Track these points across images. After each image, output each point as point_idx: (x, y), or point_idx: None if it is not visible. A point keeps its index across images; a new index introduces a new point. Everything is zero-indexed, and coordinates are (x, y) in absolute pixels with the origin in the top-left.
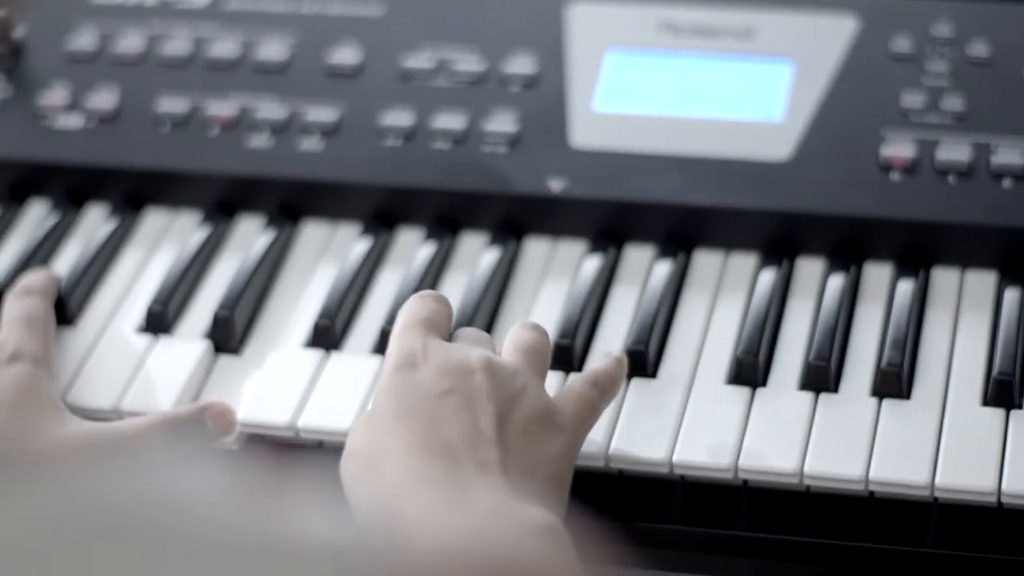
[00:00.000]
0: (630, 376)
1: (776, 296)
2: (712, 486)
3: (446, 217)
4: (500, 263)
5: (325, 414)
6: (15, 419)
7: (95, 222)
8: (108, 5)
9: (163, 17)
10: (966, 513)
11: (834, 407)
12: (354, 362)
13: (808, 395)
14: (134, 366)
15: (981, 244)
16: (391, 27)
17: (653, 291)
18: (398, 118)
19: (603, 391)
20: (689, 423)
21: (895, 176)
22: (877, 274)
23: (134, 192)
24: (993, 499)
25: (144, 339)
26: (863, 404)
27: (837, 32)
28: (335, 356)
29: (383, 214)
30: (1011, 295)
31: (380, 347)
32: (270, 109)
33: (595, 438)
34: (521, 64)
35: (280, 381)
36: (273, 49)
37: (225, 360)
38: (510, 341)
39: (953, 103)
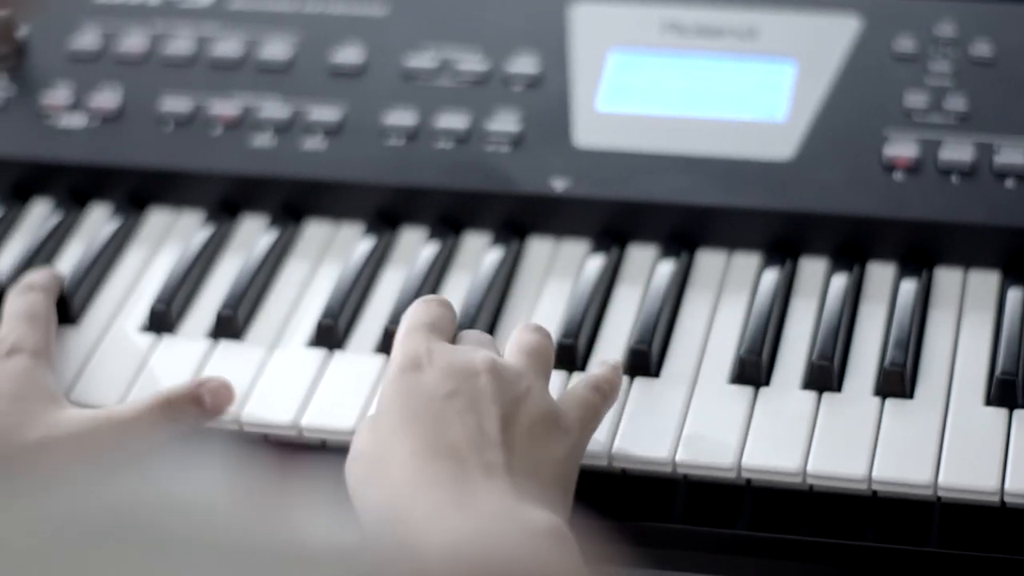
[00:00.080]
0: (633, 375)
1: (779, 295)
2: (715, 485)
3: (449, 217)
4: (503, 263)
5: (328, 413)
6: (13, 410)
7: (98, 221)
8: (111, 4)
9: (166, 16)
10: (969, 512)
11: (837, 406)
12: (357, 361)
13: (811, 394)
14: (137, 365)
15: (984, 244)
16: (394, 27)
17: (656, 290)
18: (401, 118)
19: (604, 395)
20: (692, 422)
21: (898, 176)
22: (880, 274)
23: (137, 191)
24: (996, 498)
25: (147, 338)
26: (866, 403)
27: (840, 32)
28: (338, 355)
29: (386, 213)
30: (1014, 295)
31: (383, 346)
32: (273, 108)
33: (598, 437)
34: (524, 64)
35: (283, 380)
36: (276, 49)
37: (228, 359)
38: (513, 343)
39: (956, 103)
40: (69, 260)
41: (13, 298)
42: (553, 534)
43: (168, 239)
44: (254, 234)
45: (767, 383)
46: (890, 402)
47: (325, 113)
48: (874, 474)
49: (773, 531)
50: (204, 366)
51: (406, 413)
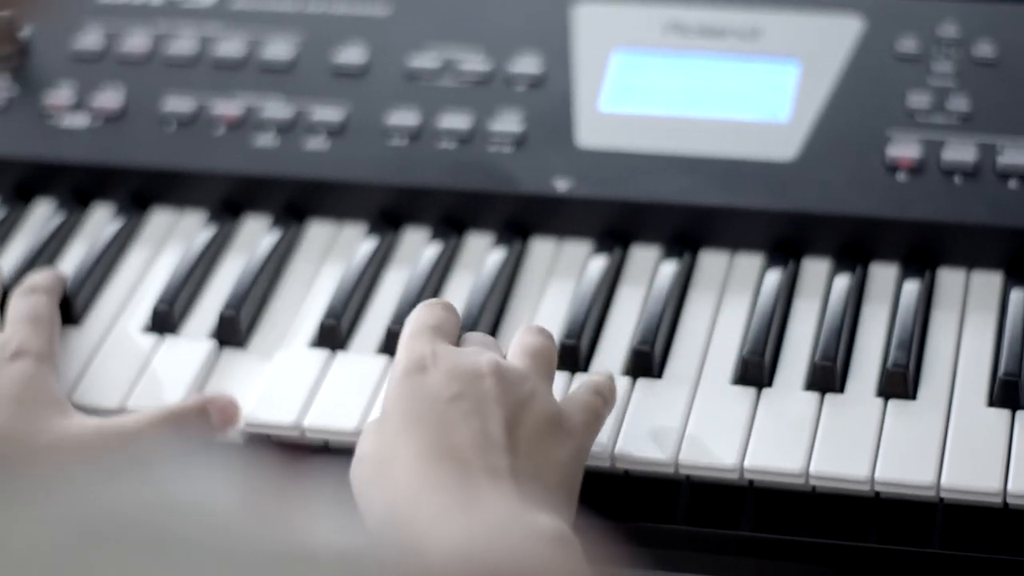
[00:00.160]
0: (635, 376)
1: (782, 296)
2: (718, 486)
3: (452, 217)
4: (506, 263)
5: (331, 414)
6: (17, 415)
7: (101, 221)
8: (114, 4)
9: (169, 16)
10: (972, 514)
11: (840, 407)
12: (360, 362)
13: (814, 395)
14: (140, 365)
15: (987, 244)
16: (397, 27)
17: (659, 291)
18: (404, 118)
19: (605, 400)
20: (695, 423)
21: (901, 176)
22: (883, 274)
23: (140, 191)
24: (999, 500)
25: (150, 338)
26: (869, 404)
27: (843, 32)
28: (341, 356)
29: (389, 214)
30: (1017, 295)
31: (386, 347)
32: (276, 109)
33: (601, 438)
34: (527, 64)
35: (286, 381)
36: (279, 49)
37: (230, 359)
38: (516, 345)
39: (959, 103)
40: (71, 260)
41: (16, 300)
42: (558, 538)
43: (171, 239)
44: (257, 234)
45: (770, 384)
46: (893, 403)
47: (328, 113)
48: (877, 475)
49: (775, 532)
50: (206, 366)
51: (411, 416)
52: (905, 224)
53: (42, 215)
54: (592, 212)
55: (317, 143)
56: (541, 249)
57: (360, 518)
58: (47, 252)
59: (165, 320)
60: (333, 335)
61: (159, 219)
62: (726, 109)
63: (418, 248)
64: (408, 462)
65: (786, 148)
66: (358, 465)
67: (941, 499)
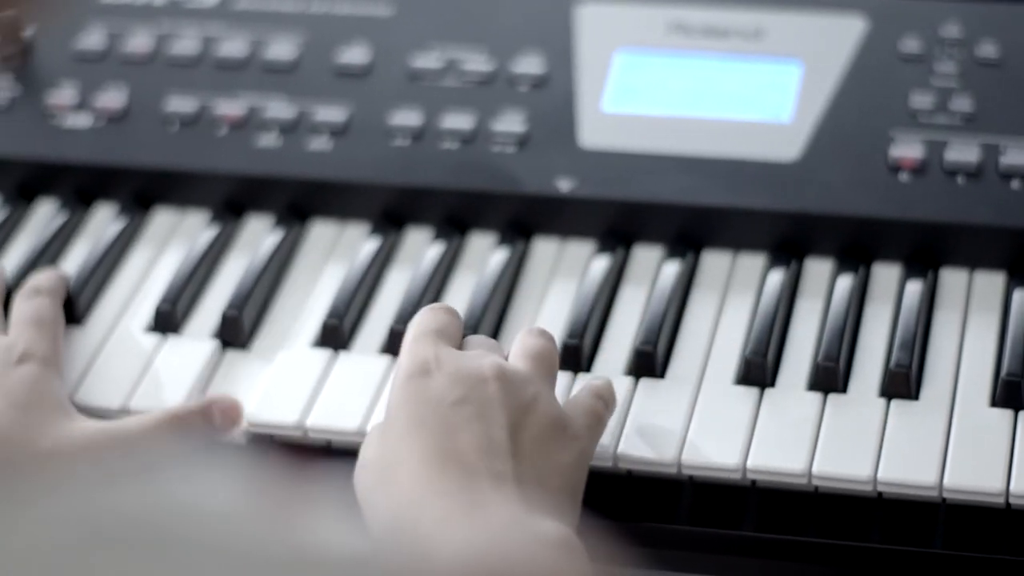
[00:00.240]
0: (638, 376)
1: (784, 296)
2: (720, 486)
3: (454, 217)
4: (508, 263)
5: (333, 414)
6: (24, 419)
7: (103, 221)
8: (117, 4)
9: (172, 16)
10: (974, 514)
11: (842, 408)
12: (362, 362)
13: (816, 396)
14: (142, 365)
15: (990, 245)
16: (400, 27)
17: (661, 291)
18: (407, 118)
19: (607, 404)
20: (697, 423)
21: (904, 177)
22: (885, 275)
23: (142, 191)
24: (1001, 500)
25: (152, 338)
26: (871, 405)
27: (846, 33)
28: (343, 356)
29: (391, 214)
30: (1020, 296)
31: (389, 347)
32: (279, 109)
33: (603, 438)
34: (530, 64)
35: (288, 381)
36: (282, 49)
37: (233, 360)
38: (518, 348)
39: (962, 104)
40: (74, 260)
41: (20, 302)
42: (562, 543)
43: (173, 239)
44: (259, 234)
45: (772, 384)
46: (895, 403)
47: (331, 113)
48: (879, 475)
49: (778, 532)
50: (209, 366)
51: (414, 420)
52: (908, 224)
53: (45, 215)
54: (595, 212)
55: (320, 143)
56: (544, 249)
57: (364, 522)
58: (50, 252)
59: (168, 320)
60: (336, 335)
61: (162, 219)
62: (729, 109)
63: (421, 248)
64: (412, 467)
65: (789, 148)
66: (362, 470)
67: (944, 499)
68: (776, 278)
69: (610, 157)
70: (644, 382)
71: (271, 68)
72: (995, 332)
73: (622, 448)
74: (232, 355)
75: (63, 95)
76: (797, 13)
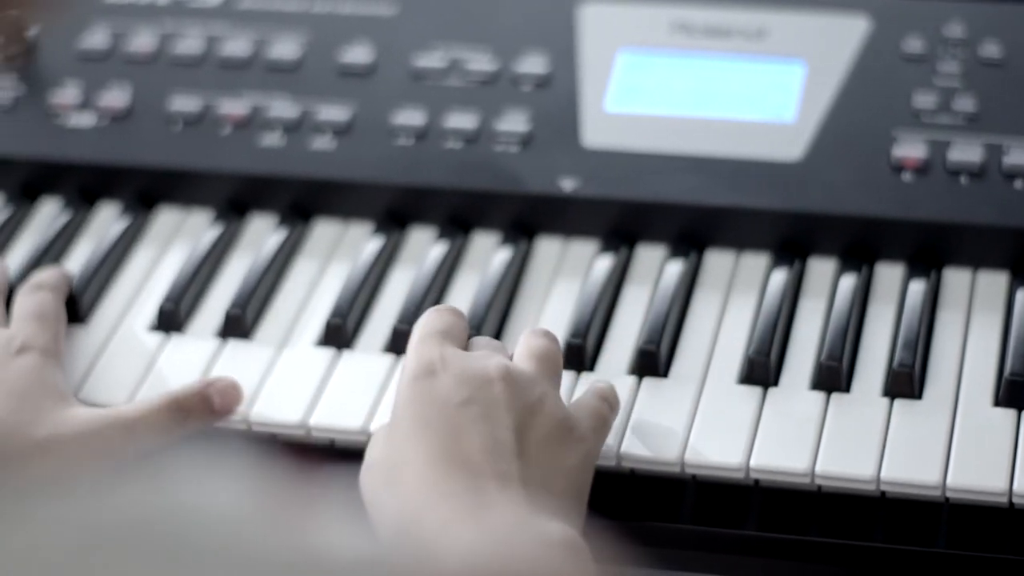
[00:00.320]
0: (641, 376)
1: (788, 296)
2: (724, 486)
3: (458, 216)
4: (512, 263)
5: (337, 413)
6: (22, 408)
7: (107, 220)
8: (120, 4)
9: (175, 16)
10: (977, 513)
11: (846, 407)
12: (366, 361)
13: (820, 395)
14: (146, 364)
15: (993, 245)
16: (403, 26)
17: (665, 291)
18: (410, 117)
19: (611, 406)
20: (701, 423)
21: (907, 177)
22: (889, 274)
23: (146, 190)
24: (1005, 499)
25: (156, 337)
26: (875, 404)
27: (849, 32)
28: (347, 355)
29: (395, 213)
30: (1023, 295)
31: (392, 346)
32: (282, 108)
33: (607, 438)
34: (533, 64)
35: (292, 379)
36: (285, 48)
37: (236, 358)
38: (522, 348)
39: (965, 104)
40: (78, 259)
41: (22, 297)
42: (568, 545)
43: (177, 238)
44: (263, 233)
45: (775, 383)
46: (899, 403)
47: (334, 113)
48: (882, 475)
49: (781, 532)
50: (212, 365)
51: (420, 421)
52: (911, 224)
53: (48, 214)
54: (598, 212)
55: (323, 143)
56: (547, 249)
57: (370, 524)
58: (53, 251)
59: (171, 319)
60: (339, 334)
61: (165, 218)
62: (732, 109)
63: (424, 247)
64: (418, 468)
65: (792, 148)
66: (368, 471)
67: (947, 499)
68: (779, 277)
69: (613, 157)
70: (647, 381)
71: (275, 67)
72: (998, 332)
73: (625, 447)
74: (235, 354)
75: (67, 94)
76: (800, 13)
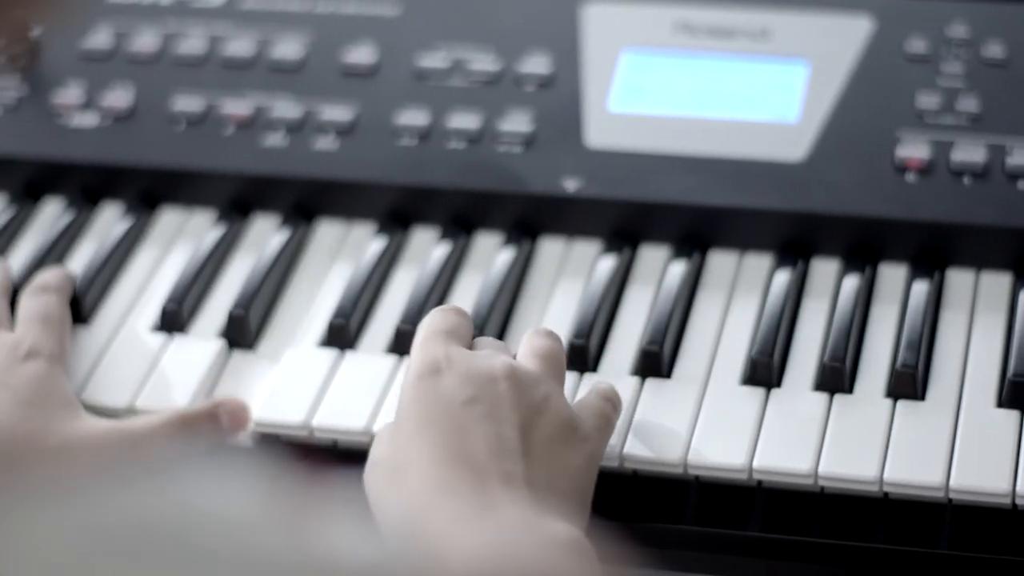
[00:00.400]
0: (644, 376)
1: (791, 297)
2: (726, 487)
3: (461, 217)
4: (515, 263)
5: (339, 413)
6: (30, 416)
7: (110, 221)
8: (124, 4)
9: (178, 16)
10: (980, 515)
11: (849, 408)
12: (369, 361)
13: (823, 396)
14: (149, 365)
15: (996, 245)
16: (406, 27)
17: (668, 291)
18: (413, 117)
19: (615, 406)
20: (704, 424)
21: (910, 177)
22: (892, 275)
23: (149, 191)
24: (1008, 501)
25: (159, 338)
26: (878, 405)
27: (852, 33)
28: (350, 355)
29: (398, 213)
30: None
31: (395, 346)
32: (285, 108)
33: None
34: (536, 64)
35: (294, 380)
36: (288, 48)
37: (239, 359)
38: (526, 348)
39: (968, 104)
40: (81, 259)
41: (27, 299)
42: (572, 545)
43: (180, 238)
44: (266, 234)
45: (779, 384)
46: (902, 404)
47: (337, 113)
48: (885, 476)
49: (784, 533)
50: (215, 366)
51: (425, 420)
52: (914, 225)
53: (51, 214)
54: (601, 212)
55: (326, 143)
56: (550, 249)
57: (376, 525)
58: (56, 251)
59: (174, 319)
60: (342, 335)
61: (168, 218)
62: (735, 109)
63: (427, 248)
64: (422, 467)
65: (795, 148)
66: (372, 470)
67: (950, 500)
68: (782, 278)
69: (616, 157)
70: (650, 382)
71: (278, 68)
72: (1001, 332)
73: (628, 448)
74: (238, 354)
75: (70, 94)
76: (803, 13)
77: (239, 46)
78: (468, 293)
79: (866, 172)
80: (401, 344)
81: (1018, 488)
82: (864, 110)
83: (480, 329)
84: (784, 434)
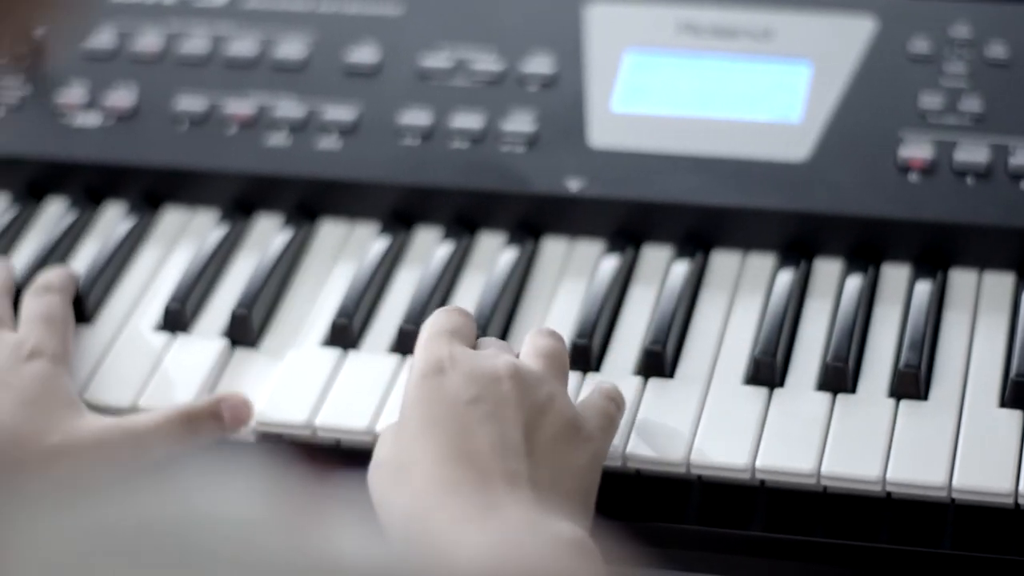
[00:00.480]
0: (647, 376)
1: (794, 297)
2: (729, 486)
3: (464, 216)
4: (518, 263)
5: (342, 413)
6: (32, 416)
7: (113, 220)
8: (127, 4)
9: (181, 16)
10: (983, 514)
11: (851, 408)
12: (371, 361)
13: (825, 396)
14: (152, 364)
15: (999, 245)
16: (409, 26)
17: (671, 291)
18: (416, 117)
19: (618, 405)
20: (706, 423)
21: (913, 177)
22: (895, 275)
23: (152, 190)
24: (1010, 500)
25: (162, 337)
26: (880, 405)
27: (855, 33)
28: (352, 355)
29: (401, 213)
30: None
31: (398, 346)
32: (288, 108)
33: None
34: (539, 64)
35: (297, 380)
36: (291, 48)
37: (242, 358)
38: (529, 348)
39: (971, 104)
40: (84, 259)
41: (30, 299)
42: (577, 545)
43: (183, 238)
44: (269, 233)
45: (781, 384)
46: (904, 404)
47: (340, 112)
48: (888, 476)
49: (787, 532)
50: (218, 365)
51: (429, 419)
52: (917, 225)
53: (54, 213)
54: (604, 212)
55: (329, 142)
56: (553, 249)
57: (380, 525)
58: (59, 250)
59: (177, 319)
60: (345, 334)
61: (171, 218)
62: (738, 109)
63: (430, 247)
64: (426, 467)
65: (798, 148)
66: (376, 469)
67: (952, 500)
68: (785, 278)
69: (619, 157)
70: (653, 382)
71: (281, 67)
72: (1004, 333)
73: (631, 448)
74: (241, 354)
75: (73, 94)
76: (806, 13)
77: (242, 46)
78: (471, 293)
79: (869, 172)
80: (404, 344)
81: (1021, 488)
82: (867, 110)
83: (483, 329)
84: (787, 434)
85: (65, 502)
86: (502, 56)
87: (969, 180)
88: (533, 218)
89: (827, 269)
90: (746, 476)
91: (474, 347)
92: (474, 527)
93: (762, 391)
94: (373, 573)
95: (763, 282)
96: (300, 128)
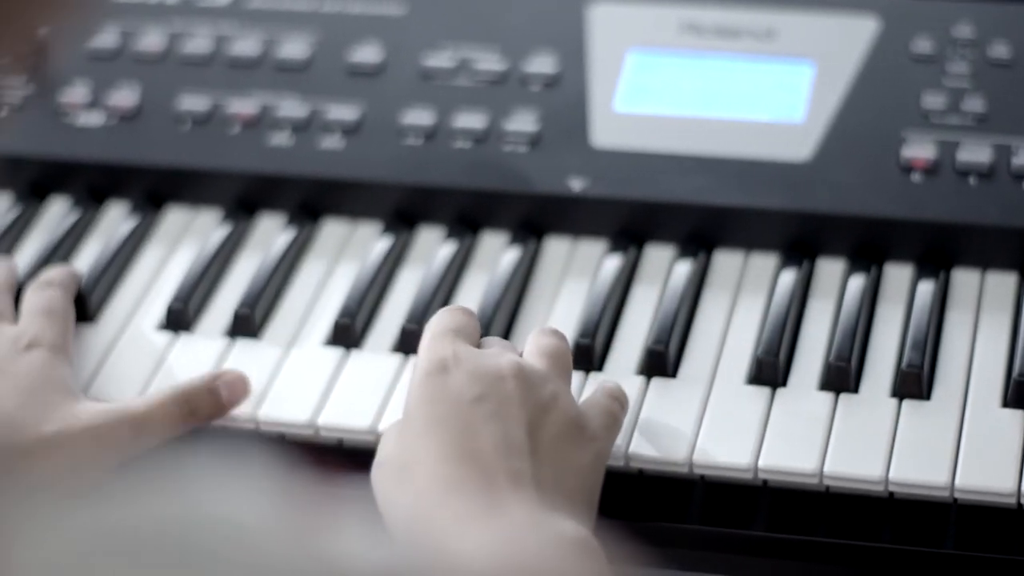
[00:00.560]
0: (650, 376)
1: (796, 296)
2: (732, 486)
3: (466, 216)
4: (520, 262)
5: (345, 412)
6: (31, 403)
7: (116, 219)
8: (130, 3)
9: (184, 15)
10: (986, 514)
11: (854, 408)
12: (374, 360)
13: (828, 395)
14: (154, 363)
15: (1002, 245)
16: (412, 26)
17: (673, 291)
18: (419, 117)
19: (622, 404)
20: (709, 423)
21: (916, 177)
22: (897, 275)
23: (155, 190)
24: (1013, 500)
25: (164, 336)
26: (883, 405)
27: (858, 33)
28: (355, 354)
29: (404, 213)
30: None
31: (400, 346)
32: (291, 107)
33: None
34: (542, 64)
35: (300, 379)
36: (294, 47)
37: (244, 358)
38: (532, 347)
39: (974, 104)
40: (86, 258)
41: (31, 294)
42: (581, 545)
43: (185, 238)
44: (271, 233)
45: (784, 384)
46: (907, 403)
47: (343, 112)
48: (891, 475)
49: (789, 532)
50: (221, 365)
51: (432, 418)
52: (920, 225)
53: (57, 213)
54: (607, 212)
55: (332, 142)
56: (556, 248)
57: (384, 525)
58: (62, 250)
59: (180, 318)
60: (347, 334)
61: (174, 217)
62: (741, 109)
63: (433, 247)
64: (430, 466)
65: (801, 148)
66: (379, 469)
67: (955, 500)
68: (788, 278)
69: (622, 157)
70: (656, 382)
71: (283, 67)
72: (1007, 332)
73: (634, 447)
74: (244, 353)
75: (76, 93)
76: (809, 13)
77: (245, 45)
78: (474, 292)
79: (872, 172)
80: (407, 343)
81: (1023, 488)
82: (870, 110)
83: (486, 328)
84: (790, 434)
85: (65, 502)
86: (505, 56)
87: (972, 180)
88: (536, 218)
89: (830, 269)
90: (749, 476)
91: (478, 346)
92: (478, 526)
93: (765, 391)
94: (375, 574)
95: (766, 282)
96: (303, 128)
